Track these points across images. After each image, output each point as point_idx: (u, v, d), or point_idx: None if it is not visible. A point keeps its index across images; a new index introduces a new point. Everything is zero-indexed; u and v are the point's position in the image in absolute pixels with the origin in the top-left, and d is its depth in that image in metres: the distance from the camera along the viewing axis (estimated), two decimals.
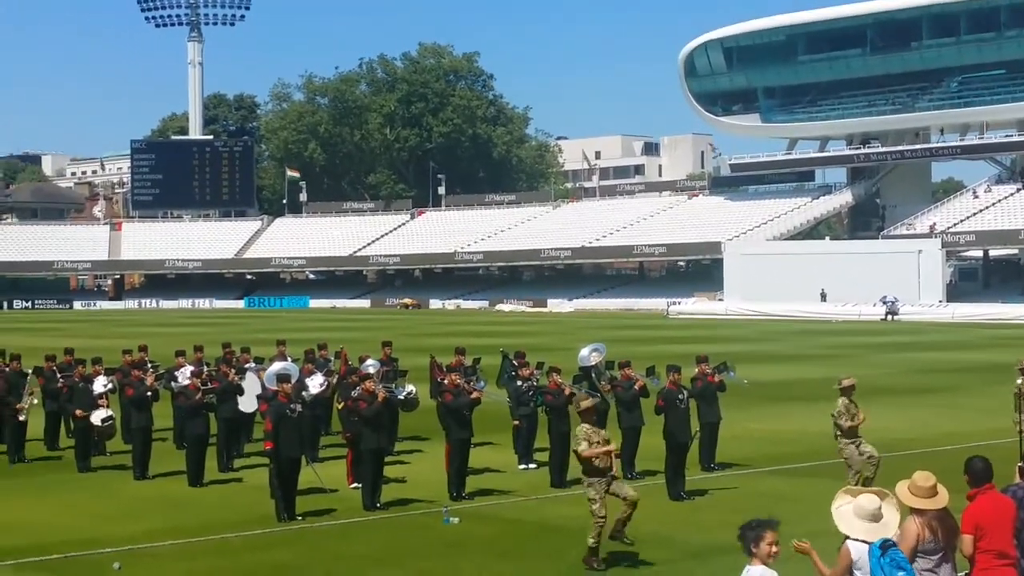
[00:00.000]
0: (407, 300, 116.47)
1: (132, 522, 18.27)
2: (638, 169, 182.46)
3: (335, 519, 18.32)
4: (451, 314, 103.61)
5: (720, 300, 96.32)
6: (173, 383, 23.89)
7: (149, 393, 22.51)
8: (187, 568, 15.61)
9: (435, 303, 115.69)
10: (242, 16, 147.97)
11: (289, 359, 25.85)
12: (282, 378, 19.27)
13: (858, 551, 9.27)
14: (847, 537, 9.36)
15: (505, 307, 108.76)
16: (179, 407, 23.17)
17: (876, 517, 9.29)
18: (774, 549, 8.75)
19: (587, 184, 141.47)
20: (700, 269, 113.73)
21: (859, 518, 9.31)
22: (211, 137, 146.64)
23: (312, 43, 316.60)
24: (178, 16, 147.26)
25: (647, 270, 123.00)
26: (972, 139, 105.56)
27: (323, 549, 16.55)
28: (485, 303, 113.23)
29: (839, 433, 19.21)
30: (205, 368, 24.40)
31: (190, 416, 21.55)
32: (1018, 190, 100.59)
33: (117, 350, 28.45)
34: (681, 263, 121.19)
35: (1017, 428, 20.68)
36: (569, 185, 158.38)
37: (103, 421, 22.79)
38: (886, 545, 9.12)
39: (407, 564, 15.69)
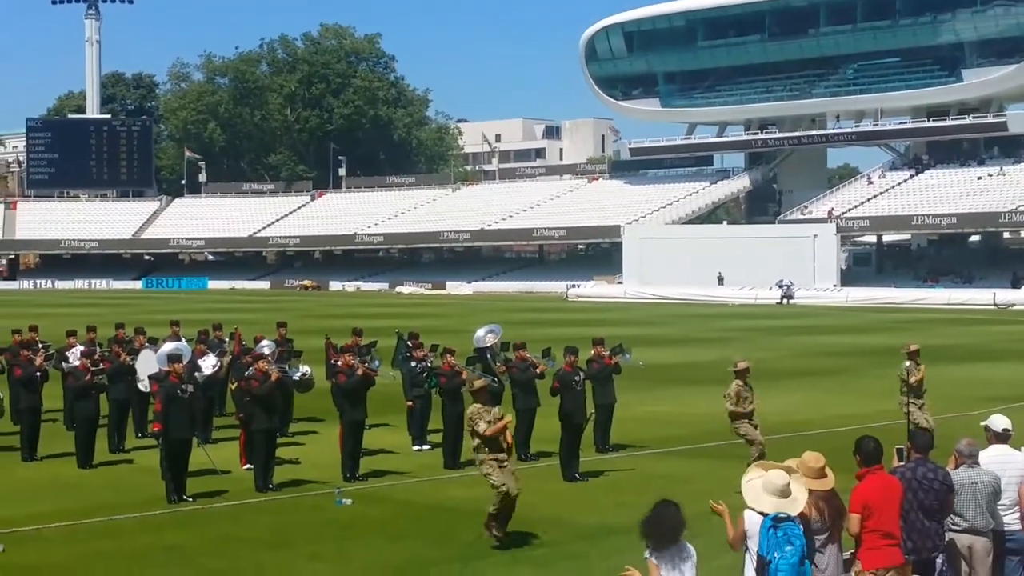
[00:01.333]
0: (307, 282, 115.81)
1: (19, 504, 18.00)
2: (539, 152, 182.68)
3: (227, 500, 18.17)
4: (351, 296, 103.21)
5: (619, 283, 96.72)
6: (64, 363, 23.48)
7: (38, 373, 22.16)
8: (74, 551, 15.41)
9: (335, 285, 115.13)
10: None
11: (183, 340, 25.56)
12: (173, 358, 19.03)
13: (752, 521, 9.36)
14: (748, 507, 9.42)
15: (405, 289, 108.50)
16: (69, 388, 22.81)
17: (785, 493, 9.35)
18: None
19: (487, 167, 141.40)
20: (599, 253, 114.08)
21: (768, 493, 9.36)
22: (109, 116, 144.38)
23: (212, 22, 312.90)
24: None
25: (547, 253, 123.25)
26: (867, 126, 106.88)
27: (214, 531, 16.41)
28: (385, 285, 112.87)
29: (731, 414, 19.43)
30: (97, 349, 24.06)
31: (80, 397, 21.25)
32: (911, 176, 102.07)
33: (7, 331, 27.99)
34: (581, 246, 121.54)
35: (904, 410, 21.07)
36: (469, 168, 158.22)
37: None
38: (779, 519, 9.19)
39: (299, 546, 15.60)
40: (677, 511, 8.72)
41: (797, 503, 9.39)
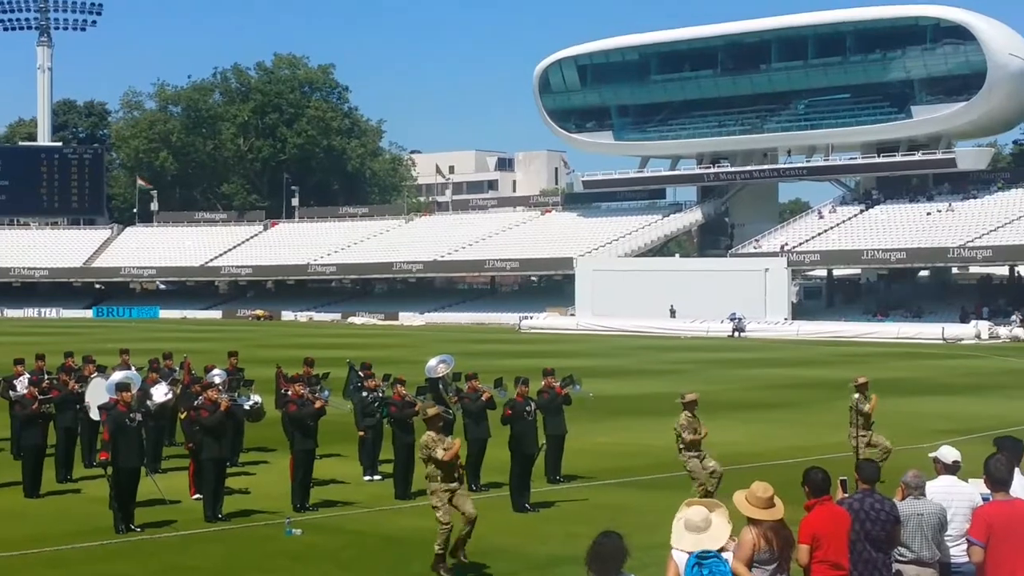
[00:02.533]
0: (259, 312, 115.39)
1: None
2: (492, 184, 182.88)
3: (175, 530, 18.05)
4: (303, 326, 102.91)
5: (572, 315, 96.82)
6: (11, 392, 23.28)
7: None
8: None
9: (287, 315, 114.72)
10: (93, 22, 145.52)
11: (132, 368, 25.41)
12: (121, 387, 18.88)
13: (680, 561, 9.38)
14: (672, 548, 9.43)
15: (357, 320, 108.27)
16: (16, 416, 22.63)
17: (701, 528, 9.36)
18: None
19: (440, 198, 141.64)
20: (552, 284, 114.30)
21: (688, 530, 9.38)
22: (60, 144, 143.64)
23: (165, 51, 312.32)
24: (27, 20, 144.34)
25: (499, 285, 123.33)
26: (818, 161, 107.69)
27: (162, 561, 16.29)
28: (338, 316, 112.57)
29: (682, 446, 19.52)
30: (45, 377, 23.88)
31: (27, 425, 21.08)
32: (861, 211, 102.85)
33: None
34: (533, 278, 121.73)
35: (852, 442, 21.21)
36: (422, 199, 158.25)
37: None
38: (704, 556, 9.18)
39: None
40: (619, 541, 8.72)
41: (716, 539, 9.39)
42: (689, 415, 19.29)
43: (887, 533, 10.89)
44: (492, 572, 15.58)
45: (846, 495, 11.20)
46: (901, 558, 11.24)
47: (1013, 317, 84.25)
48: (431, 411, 15.90)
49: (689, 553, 9.29)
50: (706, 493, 18.16)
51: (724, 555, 9.42)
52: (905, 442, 26.72)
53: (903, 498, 11.38)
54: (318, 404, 19.91)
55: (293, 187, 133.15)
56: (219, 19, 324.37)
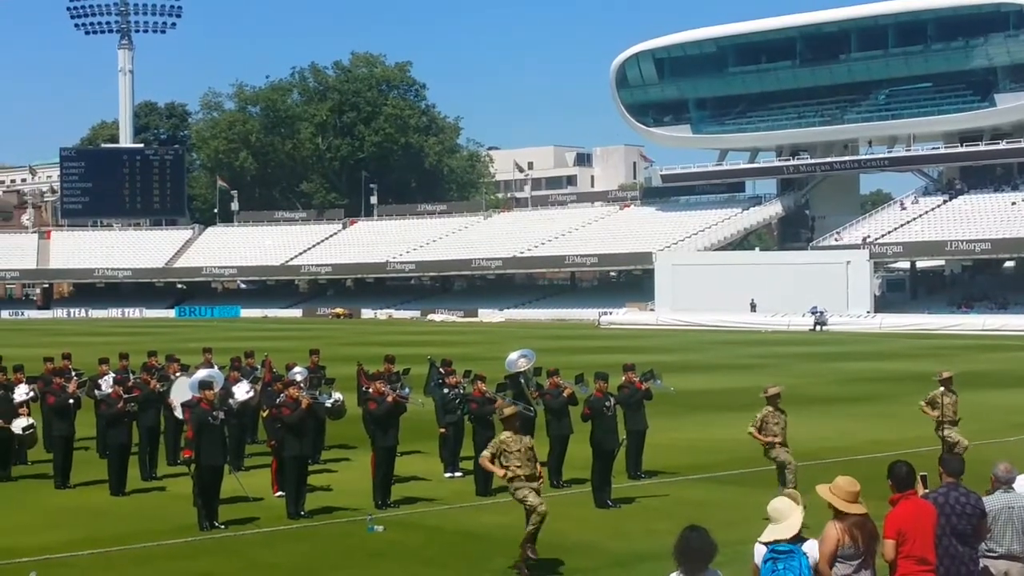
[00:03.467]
0: (339, 310, 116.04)
1: (51, 532, 18.03)
2: (570, 180, 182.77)
3: (258, 527, 18.16)
4: (383, 324, 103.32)
5: (651, 310, 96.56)
6: (96, 391, 23.54)
7: (71, 401, 22.22)
8: None
9: (367, 313, 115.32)
10: (173, 24, 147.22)
11: (215, 367, 25.60)
12: (204, 385, 19.03)
13: (759, 555, 9.32)
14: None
15: (436, 317, 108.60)
16: (101, 415, 22.87)
17: (779, 518, 9.30)
18: None
19: (519, 195, 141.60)
20: (631, 280, 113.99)
21: (770, 520, 9.34)
22: (142, 145, 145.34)
23: (243, 52, 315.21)
24: (108, 24, 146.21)
25: (578, 280, 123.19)
26: (899, 151, 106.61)
27: (246, 558, 16.40)
28: (417, 313, 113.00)
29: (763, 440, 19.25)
30: (130, 376, 24.12)
31: (112, 424, 21.28)
32: (944, 202, 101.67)
33: (40, 359, 28.09)
34: (612, 273, 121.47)
35: (939, 432, 20.94)
36: (501, 195, 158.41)
37: (24, 430, 22.50)
38: (778, 552, 9.10)
39: (331, 572, 15.60)
40: (707, 536, 8.64)
41: (791, 526, 9.30)
42: (771, 409, 19.04)
43: (973, 527, 10.75)
44: (574, 568, 15.53)
45: (927, 490, 11.02)
46: (991, 553, 11.07)
47: None
48: (508, 411, 15.82)
49: (767, 545, 9.21)
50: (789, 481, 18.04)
51: (804, 546, 9.31)
52: (992, 436, 26.44)
53: (992, 491, 11.20)
54: (390, 398, 19.92)
55: (371, 185, 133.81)
56: (296, 19, 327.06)
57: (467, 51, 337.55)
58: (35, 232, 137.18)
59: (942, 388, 21.62)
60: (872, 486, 10.32)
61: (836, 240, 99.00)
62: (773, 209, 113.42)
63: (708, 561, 8.61)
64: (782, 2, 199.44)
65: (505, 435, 15.37)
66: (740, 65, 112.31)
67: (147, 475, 22.45)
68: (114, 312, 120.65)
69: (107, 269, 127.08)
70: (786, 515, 9.31)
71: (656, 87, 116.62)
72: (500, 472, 15.30)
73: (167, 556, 16.51)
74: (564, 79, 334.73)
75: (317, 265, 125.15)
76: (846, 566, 9.79)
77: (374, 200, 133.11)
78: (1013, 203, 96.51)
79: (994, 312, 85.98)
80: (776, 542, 9.19)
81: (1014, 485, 11.26)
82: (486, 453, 15.38)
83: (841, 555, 9.75)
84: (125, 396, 21.31)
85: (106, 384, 23.20)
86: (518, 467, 15.18)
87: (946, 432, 21.14)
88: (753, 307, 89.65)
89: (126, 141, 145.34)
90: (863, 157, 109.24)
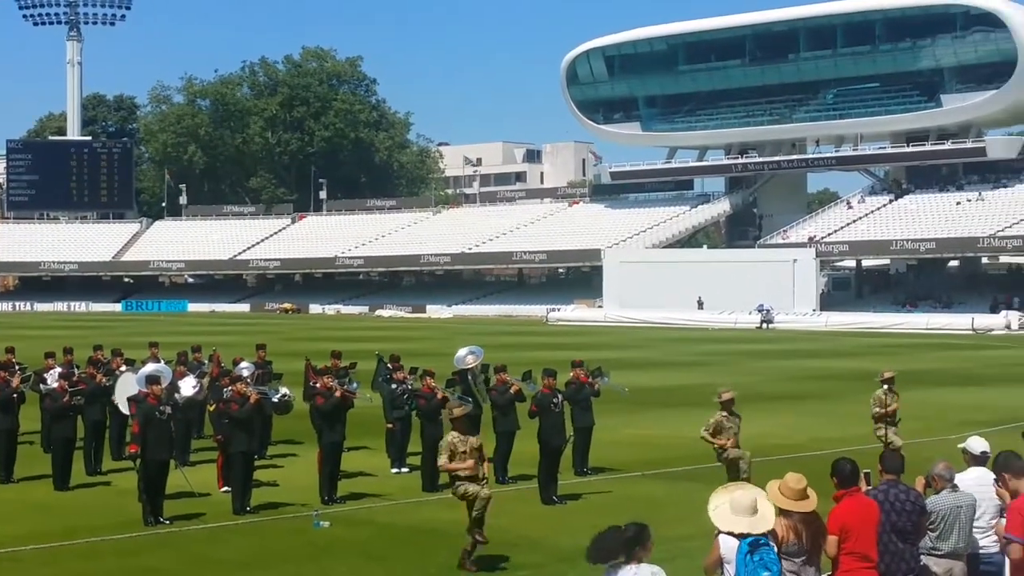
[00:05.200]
0: (287, 305, 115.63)
1: None
2: (519, 176, 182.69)
3: (204, 523, 18.11)
4: (331, 319, 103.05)
5: (599, 307, 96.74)
6: (41, 385, 23.39)
7: (15, 395, 22.06)
8: (50, 573, 15.36)
9: (315, 308, 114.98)
10: (122, 16, 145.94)
11: (162, 361, 25.50)
12: (151, 380, 18.93)
13: (728, 547, 9.33)
14: (719, 532, 9.40)
15: (385, 312, 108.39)
16: (46, 409, 22.75)
17: (753, 510, 9.33)
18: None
19: (468, 190, 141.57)
20: (580, 276, 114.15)
21: (737, 513, 9.32)
22: (89, 138, 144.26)
23: (193, 45, 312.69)
24: (57, 15, 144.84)
25: (527, 277, 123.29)
26: (846, 151, 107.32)
27: (191, 553, 16.34)
28: (365, 308, 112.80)
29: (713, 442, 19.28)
30: (75, 371, 23.98)
31: (57, 419, 21.17)
32: (890, 202, 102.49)
33: None
34: (561, 270, 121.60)
35: (877, 435, 21.14)
36: (450, 191, 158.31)
37: None
38: (756, 544, 9.15)
39: (276, 568, 15.57)
40: (617, 533, 8.72)
41: (767, 519, 9.37)
42: (724, 414, 18.99)
43: (913, 524, 10.84)
44: (520, 563, 15.58)
45: (870, 487, 11.12)
46: (936, 551, 11.14)
47: None
48: (457, 411, 15.77)
49: (739, 538, 9.23)
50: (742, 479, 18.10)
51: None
52: (934, 433, 26.70)
53: (938, 491, 11.29)
54: (338, 392, 19.92)
55: (321, 180, 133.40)
56: (246, 13, 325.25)
57: (418, 47, 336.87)
58: None
59: (885, 387, 21.81)
60: (817, 483, 10.40)
61: (783, 239, 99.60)
62: (721, 207, 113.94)
63: (613, 555, 8.67)
64: (733, 1, 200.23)
65: (452, 435, 15.35)
66: (690, 63, 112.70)
67: (92, 470, 22.34)
68: (60, 306, 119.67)
69: (53, 262, 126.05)
70: (756, 508, 9.35)
71: (606, 84, 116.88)
72: (464, 466, 15.26)
73: (111, 551, 16.45)
74: (514, 75, 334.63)
75: (265, 260, 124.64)
76: (790, 563, 9.87)
77: (323, 195, 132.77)
78: (958, 203, 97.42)
79: (938, 311, 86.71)
80: (748, 535, 9.23)
81: (959, 484, 11.37)
82: (444, 460, 15.32)
83: (786, 552, 9.82)
84: (71, 390, 21.19)
85: (51, 378, 23.07)
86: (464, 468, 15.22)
87: (884, 432, 21.33)
88: (700, 305, 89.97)
89: (74, 134, 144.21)
90: (810, 156, 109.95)
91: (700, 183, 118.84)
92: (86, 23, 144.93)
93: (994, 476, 11.44)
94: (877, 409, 21.87)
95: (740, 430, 19.49)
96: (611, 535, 8.70)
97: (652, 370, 46.50)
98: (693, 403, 31.10)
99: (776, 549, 9.36)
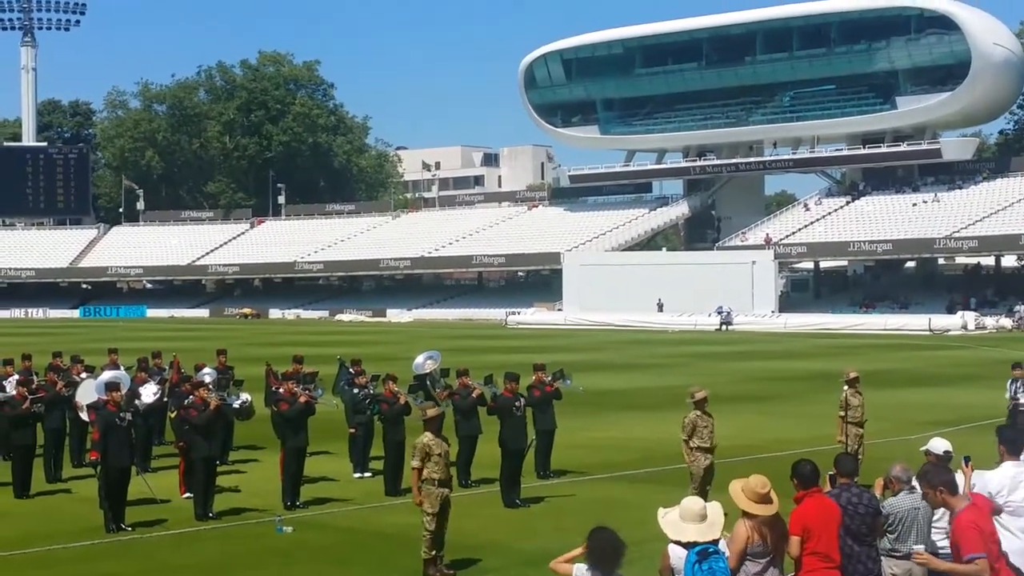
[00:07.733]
0: (246, 310, 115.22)
1: None
2: (478, 180, 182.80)
3: (166, 529, 18.06)
4: (291, 324, 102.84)
5: (559, 310, 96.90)
6: (0, 392, 23.26)
7: None
8: None
9: (275, 313, 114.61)
10: (77, 21, 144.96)
11: (121, 368, 25.39)
12: (111, 386, 18.86)
13: (676, 556, 9.33)
14: (672, 541, 9.41)
15: (345, 317, 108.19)
16: (5, 417, 22.59)
17: (703, 517, 9.31)
18: None
19: (427, 195, 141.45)
20: (539, 279, 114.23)
21: (687, 521, 9.28)
22: (45, 144, 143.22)
23: (149, 50, 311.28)
24: (11, 20, 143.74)
25: (486, 280, 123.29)
26: (803, 153, 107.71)
27: (153, 560, 16.31)
28: (325, 313, 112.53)
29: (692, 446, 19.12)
30: (34, 378, 23.85)
31: (16, 426, 21.06)
32: (847, 203, 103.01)
33: None
34: (520, 274, 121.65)
35: (839, 437, 21.18)
36: (409, 195, 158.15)
37: None
38: (705, 553, 9.11)
39: (239, 574, 15.59)
40: (614, 534, 8.71)
41: (716, 526, 9.37)
42: (699, 413, 18.86)
43: (868, 526, 10.88)
44: (483, 567, 15.62)
45: (829, 489, 11.17)
46: (895, 553, 11.16)
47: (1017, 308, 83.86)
48: (431, 412, 15.75)
49: (687, 547, 9.21)
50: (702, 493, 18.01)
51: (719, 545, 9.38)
52: (892, 434, 26.87)
53: (895, 493, 11.33)
54: (303, 398, 19.92)
55: (279, 185, 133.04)
56: (203, 17, 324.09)
57: (375, 51, 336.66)
58: None
59: (849, 388, 21.71)
60: (777, 484, 10.47)
61: (741, 240, 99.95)
62: (680, 210, 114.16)
63: (621, 559, 8.69)
64: (689, 4, 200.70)
65: (427, 437, 15.30)
66: (647, 66, 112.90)
67: (52, 477, 22.24)
68: (17, 312, 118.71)
69: (10, 269, 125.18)
70: (706, 515, 9.37)
71: (564, 88, 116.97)
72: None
73: (72, 559, 16.39)
74: (472, 79, 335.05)
75: (224, 265, 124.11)
76: (755, 564, 9.91)
77: (282, 200, 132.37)
78: (914, 204, 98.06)
79: (895, 312, 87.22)
80: (696, 543, 9.23)
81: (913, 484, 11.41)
82: (416, 463, 15.29)
83: (750, 553, 9.86)
84: (30, 397, 21.09)
85: (10, 385, 22.93)
86: (435, 470, 15.22)
87: (848, 432, 21.36)
88: (660, 307, 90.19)
89: (29, 139, 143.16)
90: (768, 158, 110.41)
91: (659, 186, 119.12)
92: (40, 28, 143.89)
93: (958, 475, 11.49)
94: (849, 410, 21.68)
95: (714, 430, 19.37)
96: (612, 538, 8.68)
97: (612, 373, 46.59)
98: (654, 405, 31.25)
99: (726, 557, 9.37)
